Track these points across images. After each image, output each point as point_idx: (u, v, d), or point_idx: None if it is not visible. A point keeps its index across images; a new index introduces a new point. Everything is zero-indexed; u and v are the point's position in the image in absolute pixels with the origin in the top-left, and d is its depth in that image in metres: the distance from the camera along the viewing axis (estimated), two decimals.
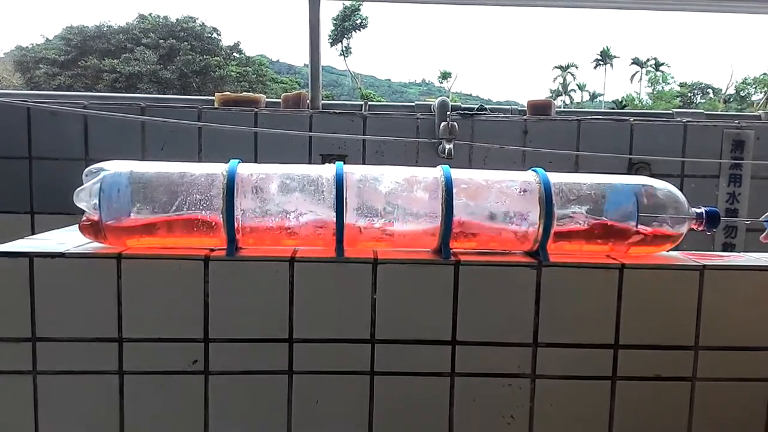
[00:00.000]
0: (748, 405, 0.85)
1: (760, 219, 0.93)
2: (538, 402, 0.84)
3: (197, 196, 0.79)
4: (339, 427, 0.83)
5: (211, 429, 0.82)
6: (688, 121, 1.64)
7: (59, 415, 0.81)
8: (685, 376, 0.84)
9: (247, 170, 0.82)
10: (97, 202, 0.79)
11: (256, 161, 1.52)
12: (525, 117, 1.65)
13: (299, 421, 0.82)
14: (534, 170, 0.86)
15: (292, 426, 0.82)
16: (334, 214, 0.80)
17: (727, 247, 1.64)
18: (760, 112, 1.79)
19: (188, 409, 0.81)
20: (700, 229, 0.87)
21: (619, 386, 0.84)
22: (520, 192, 0.83)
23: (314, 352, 0.82)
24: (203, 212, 0.79)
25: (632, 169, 1.60)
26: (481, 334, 0.83)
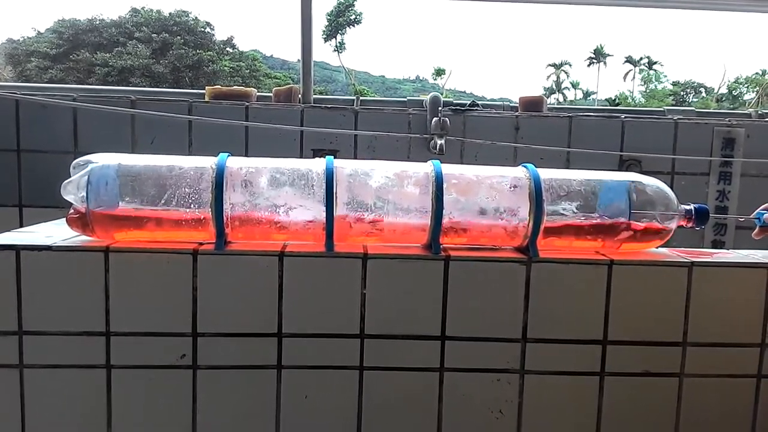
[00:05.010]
0: (736, 401, 0.86)
1: (751, 216, 0.94)
2: (527, 397, 0.84)
3: (186, 189, 0.79)
4: (328, 422, 0.83)
5: (199, 423, 0.81)
6: (679, 119, 1.64)
7: (46, 408, 0.80)
8: (674, 372, 0.84)
9: (236, 164, 0.82)
10: (85, 195, 0.78)
11: (246, 155, 1.52)
12: (517, 113, 1.65)
13: (288, 416, 0.82)
14: (524, 166, 0.86)
15: (281, 420, 0.82)
16: (324, 208, 0.80)
17: (717, 245, 1.65)
18: (750, 110, 1.80)
19: (176, 403, 0.81)
20: (689, 225, 0.87)
21: (608, 382, 0.84)
22: (510, 188, 0.83)
23: (303, 347, 0.82)
24: (192, 206, 0.79)
25: (623, 166, 1.60)
26: (470, 329, 0.83)
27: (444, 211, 0.81)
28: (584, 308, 0.83)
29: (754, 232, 0.92)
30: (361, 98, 1.74)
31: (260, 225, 0.81)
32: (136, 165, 0.80)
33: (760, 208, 0.92)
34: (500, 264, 0.83)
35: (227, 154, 0.83)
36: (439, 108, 1.59)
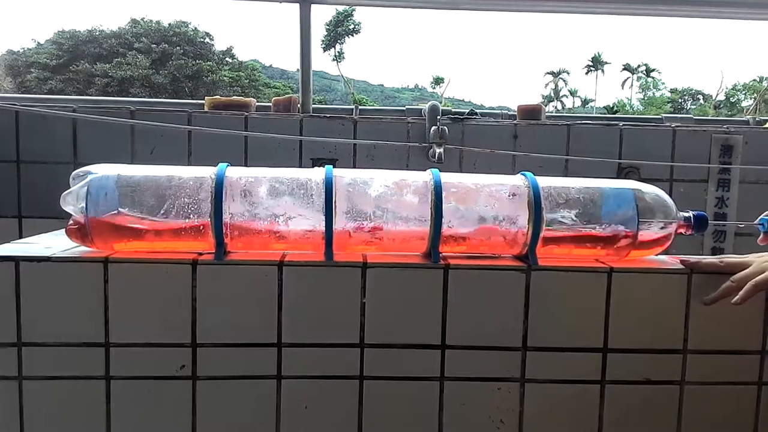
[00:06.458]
0: (737, 408, 0.86)
1: (754, 222, 0.93)
2: (528, 406, 0.84)
3: (185, 199, 0.79)
4: None
5: None
6: (677, 126, 1.65)
7: (45, 420, 0.80)
8: (674, 379, 0.84)
9: (236, 174, 0.82)
10: (84, 206, 0.78)
11: (246, 165, 1.52)
12: (515, 121, 1.65)
13: (288, 426, 0.82)
14: (523, 174, 0.86)
15: (281, 431, 0.82)
16: (324, 217, 0.80)
17: (716, 252, 1.65)
18: (748, 117, 1.80)
19: (176, 414, 0.81)
20: (688, 233, 0.87)
21: (608, 390, 0.84)
22: (509, 196, 0.84)
23: (303, 357, 0.81)
24: (191, 216, 0.79)
25: (621, 173, 1.60)
26: (470, 338, 0.83)
27: (443, 219, 0.81)
28: (584, 316, 0.83)
29: (759, 238, 0.92)
30: (359, 107, 1.74)
31: (259, 234, 0.81)
32: (136, 175, 0.81)
33: (764, 214, 0.92)
34: (500, 272, 0.83)
35: (226, 164, 0.83)
36: (438, 117, 1.59)
